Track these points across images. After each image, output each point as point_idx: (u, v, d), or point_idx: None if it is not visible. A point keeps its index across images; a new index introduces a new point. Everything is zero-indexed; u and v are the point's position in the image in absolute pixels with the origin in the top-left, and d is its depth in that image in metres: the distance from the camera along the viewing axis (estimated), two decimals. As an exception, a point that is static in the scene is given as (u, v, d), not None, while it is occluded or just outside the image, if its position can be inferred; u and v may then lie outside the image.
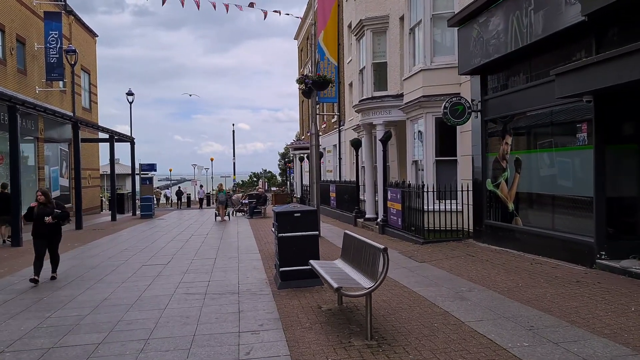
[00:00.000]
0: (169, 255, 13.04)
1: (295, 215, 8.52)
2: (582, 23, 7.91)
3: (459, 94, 12.46)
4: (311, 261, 7.51)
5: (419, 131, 14.63)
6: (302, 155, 35.29)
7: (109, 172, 29.46)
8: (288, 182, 48.55)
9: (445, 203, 12.70)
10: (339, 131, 28.94)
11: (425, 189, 12.59)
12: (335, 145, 30.71)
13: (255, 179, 77.79)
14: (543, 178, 9.84)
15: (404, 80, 15.57)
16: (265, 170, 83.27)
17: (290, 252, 8.45)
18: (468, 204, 12.48)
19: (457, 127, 13.29)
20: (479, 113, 11.82)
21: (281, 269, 8.48)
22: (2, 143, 21.04)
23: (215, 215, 25.68)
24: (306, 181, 36.66)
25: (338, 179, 28.03)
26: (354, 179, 21.99)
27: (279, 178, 77.83)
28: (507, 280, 8.04)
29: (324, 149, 31.50)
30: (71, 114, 23.28)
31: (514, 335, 5.42)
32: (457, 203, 12.91)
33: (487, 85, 11.68)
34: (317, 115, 16.03)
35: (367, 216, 18.36)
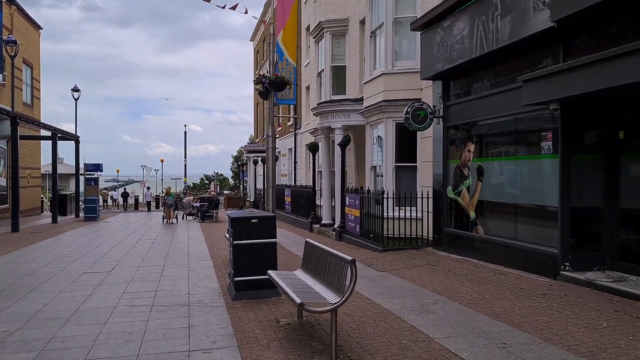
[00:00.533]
0: (113, 261, 12.19)
1: (252, 221, 7.98)
2: (550, 30, 7.77)
3: (420, 99, 12.25)
4: (270, 272, 6.99)
5: (379, 136, 14.35)
6: (256, 158, 34.62)
7: (51, 171, 27.82)
8: (241, 186, 47.63)
9: (405, 210, 12.43)
10: (295, 135, 28.49)
11: (385, 195, 12.29)
12: (291, 149, 30.22)
13: (207, 182, 76.22)
14: (506, 186, 9.70)
15: (364, 84, 15.28)
16: (218, 173, 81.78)
17: (246, 260, 7.91)
18: (428, 212, 12.27)
19: (418, 133, 13.09)
20: (440, 119, 11.63)
21: (236, 279, 7.91)
22: None
23: (163, 218, 25.54)
24: (260, 185, 35.96)
25: (293, 184, 27.54)
26: (310, 183, 21.56)
27: (231, 181, 76.56)
28: (472, 291, 7.77)
29: (279, 152, 30.98)
30: (9, 109, 21.77)
31: (487, 354, 5.09)
32: (416, 210, 12.68)
33: (449, 91, 11.51)
34: (274, 117, 15.50)
35: (323, 222, 17.95)
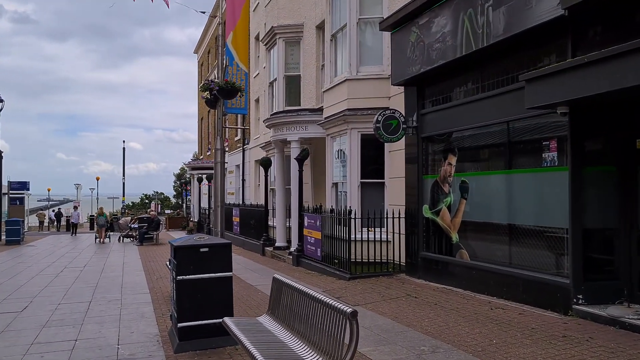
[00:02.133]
0: (29, 296, 10.07)
1: (202, 250, 6.31)
2: (557, 20, 6.65)
3: (388, 108, 10.96)
4: (227, 320, 5.34)
5: (341, 150, 12.97)
6: (201, 175, 32.50)
7: (-34, 189, 24.78)
8: (185, 205, 45.08)
9: (373, 232, 11.03)
10: (244, 150, 26.76)
11: (352, 216, 10.86)
12: (238, 166, 28.44)
13: (147, 201, 72.53)
14: (497, 205, 8.46)
15: (324, 92, 13.91)
16: (158, 192, 78.12)
17: (193, 301, 6.22)
18: (400, 233, 10.92)
19: (386, 146, 11.81)
20: (414, 129, 10.38)
21: (180, 325, 6.19)
22: None
23: (96, 238, 25.40)
24: (204, 204, 33.80)
25: (241, 202, 25.72)
26: (261, 202, 19.92)
27: (173, 200, 73.22)
28: (473, 333, 6.39)
29: (226, 169, 29.08)
30: None
31: None
32: (385, 232, 11.31)
33: (424, 98, 10.30)
34: (223, 128, 13.84)
35: (277, 244, 16.30)
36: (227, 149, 28.10)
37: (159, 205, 55.33)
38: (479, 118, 8.59)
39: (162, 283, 11.46)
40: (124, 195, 48.37)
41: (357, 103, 12.04)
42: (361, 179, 12.18)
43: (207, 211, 31.40)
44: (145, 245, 22.50)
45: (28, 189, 34.32)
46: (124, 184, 47.58)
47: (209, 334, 6.27)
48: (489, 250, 8.58)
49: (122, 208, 47.43)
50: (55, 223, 44.24)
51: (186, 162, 38.48)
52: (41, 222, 46.46)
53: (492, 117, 8.27)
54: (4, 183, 33.53)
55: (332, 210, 11.98)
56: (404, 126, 10.36)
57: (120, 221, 28.55)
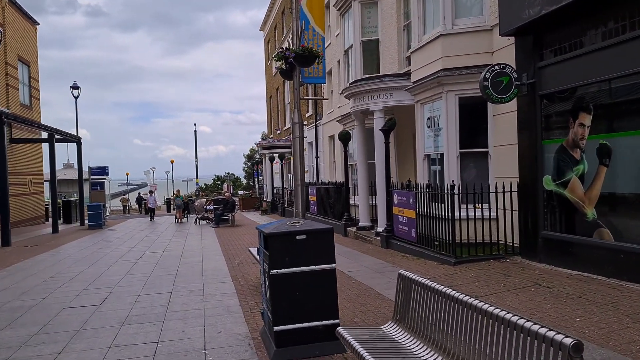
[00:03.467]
0: (108, 287, 9.47)
1: (299, 238, 5.18)
2: None
3: (497, 63, 9.33)
4: (342, 331, 4.18)
5: (433, 117, 11.48)
6: (272, 154, 31.85)
7: (50, 176, 25.29)
8: (257, 185, 44.88)
9: (481, 209, 9.55)
10: (316, 126, 25.67)
11: (455, 191, 9.41)
12: (311, 143, 27.42)
13: (219, 182, 73.55)
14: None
15: (411, 53, 12.39)
16: (230, 173, 79.02)
17: (291, 299, 5.12)
18: (511, 210, 9.37)
19: (490, 109, 10.24)
20: (529, 86, 8.73)
21: (276, 328, 5.12)
22: None
23: (175, 218, 27.15)
24: (277, 183, 33.22)
25: (316, 180, 24.73)
26: (338, 179, 18.82)
27: (244, 181, 73.84)
28: (652, 338, 4.90)
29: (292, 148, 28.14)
30: (-7, 106, 19.18)
31: None
32: (489, 208, 9.80)
33: (543, 47, 8.59)
34: (300, 100, 12.69)
35: (360, 224, 15.11)
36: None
37: (231, 186, 55.70)
38: (626, 65, 6.86)
39: (245, 270, 10.59)
40: (197, 177, 48.94)
41: (454, 62, 10.48)
42: (460, 148, 10.67)
43: (280, 191, 30.77)
44: (222, 227, 22.05)
45: (107, 174, 35.08)
46: (196, 166, 48.09)
47: (310, 339, 5.17)
48: (642, 228, 6.90)
49: (196, 190, 47.97)
50: (137, 207, 45.55)
51: (257, 142, 37.94)
52: (125, 206, 48.27)
53: (646, 61, 6.54)
54: (85, 169, 34.43)
55: (428, 186, 10.57)
56: (517, 83, 8.73)
57: (196, 203, 28.43)
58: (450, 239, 9.43)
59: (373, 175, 15.39)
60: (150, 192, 33.18)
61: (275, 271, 5.11)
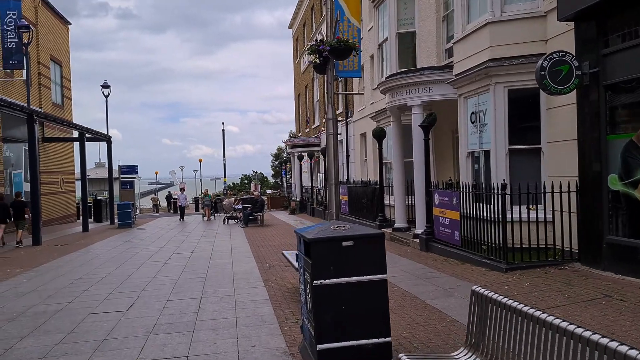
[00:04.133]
0: (135, 290, 9.02)
1: (345, 244, 4.56)
2: None
3: (554, 52, 8.52)
4: (404, 357, 3.53)
5: (478, 111, 10.72)
6: (301, 153, 31.32)
7: (80, 175, 25.27)
8: (285, 185, 44.45)
9: (535, 210, 8.77)
10: (347, 124, 25.00)
11: (507, 191, 8.65)
12: (341, 141, 26.75)
13: (246, 182, 73.46)
14: None
15: (454, 44, 11.63)
16: (257, 172, 78.90)
17: (337, 314, 4.52)
18: (569, 212, 8.56)
19: (542, 102, 9.44)
20: (591, 75, 7.91)
21: (320, 347, 4.51)
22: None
23: (202, 216, 27.98)
24: (306, 182, 32.70)
25: (346, 179, 24.08)
26: (368, 178, 18.18)
27: (271, 180, 73.59)
28: None
29: (324, 146, 27.53)
30: (23, 104, 19.09)
31: None
32: (544, 210, 9.01)
33: (608, 33, 7.77)
34: (335, 95, 12.06)
35: (396, 226, 14.40)
36: (323, 129, 26.37)
37: (259, 185, 55.47)
38: None
39: (277, 273, 10.03)
40: (225, 176, 48.79)
41: (503, 51, 9.70)
42: (509, 145, 9.89)
43: (309, 190, 30.22)
44: (251, 226, 21.61)
45: (137, 173, 35.01)
46: (224, 165, 47.92)
47: (359, 358, 4.56)
48: None
49: (224, 189, 47.80)
50: (166, 205, 45.69)
51: (285, 141, 37.47)
52: (155, 205, 48.59)
53: None
54: (115, 168, 34.49)
55: (474, 185, 9.83)
56: (578, 72, 7.93)
57: (224, 202, 28.13)
58: (501, 243, 8.68)
59: (409, 174, 14.67)
60: (181, 189, 31.97)
61: (318, 282, 4.50)
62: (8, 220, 17.06)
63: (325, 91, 29.02)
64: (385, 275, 4.63)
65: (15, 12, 22.59)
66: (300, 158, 31.02)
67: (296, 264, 7.57)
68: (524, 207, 8.84)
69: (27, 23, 20.24)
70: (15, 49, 22.12)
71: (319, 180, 29.37)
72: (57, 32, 31.21)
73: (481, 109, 10.56)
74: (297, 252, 5.66)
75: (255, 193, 25.89)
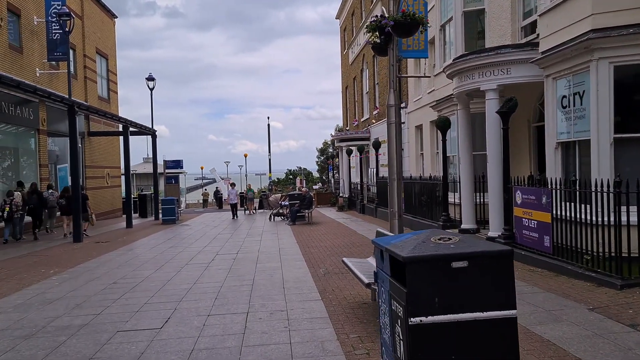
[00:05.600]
0: (173, 301, 7.86)
1: (456, 266, 3.14)
2: None
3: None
4: None
5: (570, 94, 9.02)
6: (350, 147, 29.89)
7: (124, 169, 24.69)
8: (333, 180, 43.10)
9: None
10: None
11: (622, 189, 6.98)
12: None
13: (291, 177, 72.53)
14: None
15: (539, 16, 9.93)
16: (302, 167, 77.76)
17: (446, 366, 3.10)
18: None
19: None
20: None
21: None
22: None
23: (245, 210, 28.80)
24: (354, 178, 31.26)
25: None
26: (425, 173, 16.62)
27: (316, 175, 72.33)
28: None
29: (378, 139, 25.93)
30: (64, 95, 18.45)
31: None
32: (661, 212, 7.27)
33: None
34: (397, 78, 10.60)
35: (463, 227, 12.80)
36: (374, 121, 24.73)
37: (304, 181, 54.36)
38: None
39: (333, 282, 8.68)
40: (270, 172, 47.92)
41: (609, 19, 7.98)
42: (615, 133, 8.17)
43: (358, 186, 28.78)
44: (298, 224, 20.39)
45: (182, 167, 34.44)
46: (269, 160, 47.07)
47: None
48: None
49: (269, 184, 46.89)
50: (214, 201, 45.33)
51: (333, 134, 36.05)
52: (205, 200, 48.64)
53: None
54: (160, 162, 34.01)
55: (573, 182, 8.16)
56: None
57: (270, 198, 27.00)
58: (613, 252, 7.02)
59: (479, 169, 13.06)
60: (232, 184, 28.95)
61: (417, 319, 3.11)
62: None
63: (376, 81, 27.43)
64: (514, 312, 3.19)
65: (60, 3, 22.06)
66: (349, 152, 29.59)
67: (364, 278, 6.19)
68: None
69: (68, 10, 19.55)
70: (59, 41, 21.61)
71: (370, 175, 27.88)
72: (103, 25, 30.86)
73: (576, 91, 8.85)
74: (375, 268, 4.27)
75: (303, 189, 24.65)
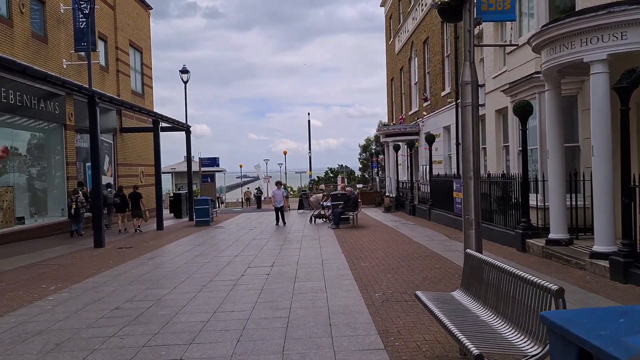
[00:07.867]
0: (182, 342, 5.77)
1: None
2: None
3: None
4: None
5: None
6: (397, 143, 27.44)
7: (154, 166, 23.05)
8: (378, 178, 40.62)
9: None
10: (456, 106, 20.81)
11: None
12: (447, 128, 22.66)
13: (332, 175, 70.28)
14: None
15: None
16: (343, 165, 75.39)
17: None
18: None
19: None
20: None
21: None
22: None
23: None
24: (403, 176, 28.80)
25: (455, 173, 19.96)
26: (489, 171, 14.11)
27: (358, 173, 69.84)
28: None
29: (429, 132, 23.36)
30: (83, 85, 16.79)
31: None
32: None
33: None
34: (474, 48, 8.18)
35: (551, 236, 10.25)
36: (425, 113, 22.16)
37: (345, 179, 51.97)
38: None
39: (396, 315, 6.42)
40: (310, 170, 45.92)
41: None
42: None
43: (406, 184, 26.33)
44: (342, 227, 18.18)
45: (217, 165, 32.82)
46: (310, 158, 45.05)
47: None
48: None
49: (309, 183, 44.83)
50: (255, 200, 43.85)
51: (377, 129, 33.57)
52: (248, 199, 47.61)
53: None
54: (195, 159, 32.39)
55: None
56: None
57: (311, 198, 24.88)
58: None
59: (571, 164, 10.52)
60: (277, 183, 23.62)
61: None
62: (127, 209, 19.55)
63: (427, 70, 24.07)
64: None
65: (88, -9, 20.50)
66: (397, 148, 27.15)
67: (470, 345, 3.85)
68: None
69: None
70: (87, 30, 20.06)
71: (422, 173, 25.40)
72: (137, 16, 29.44)
73: None
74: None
75: (348, 189, 22.33)
